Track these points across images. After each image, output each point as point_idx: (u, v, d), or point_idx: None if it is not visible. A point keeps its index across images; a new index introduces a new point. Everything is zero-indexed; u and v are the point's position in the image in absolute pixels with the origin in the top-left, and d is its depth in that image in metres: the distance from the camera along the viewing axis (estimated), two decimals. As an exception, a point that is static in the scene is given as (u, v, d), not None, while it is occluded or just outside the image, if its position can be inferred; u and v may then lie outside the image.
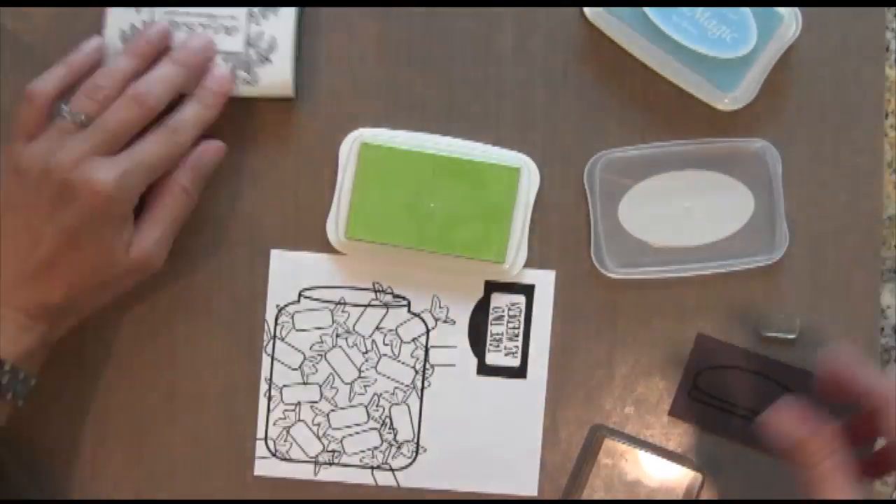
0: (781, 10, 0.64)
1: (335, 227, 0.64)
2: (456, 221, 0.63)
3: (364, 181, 0.63)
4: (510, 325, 0.65)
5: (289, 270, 0.65)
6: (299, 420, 0.65)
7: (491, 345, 0.65)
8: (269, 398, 0.65)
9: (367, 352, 0.65)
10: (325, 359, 0.65)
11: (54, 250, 0.57)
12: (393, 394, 0.65)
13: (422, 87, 0.66)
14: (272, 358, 0.65)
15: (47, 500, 0.59)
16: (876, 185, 0.66)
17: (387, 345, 0.65)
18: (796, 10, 0.64)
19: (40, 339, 0.58)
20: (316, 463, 0.65)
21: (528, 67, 0.66)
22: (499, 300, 0.65)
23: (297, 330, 0.65)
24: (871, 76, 0.66)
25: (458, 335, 0.65)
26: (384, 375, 0.65)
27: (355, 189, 0.63)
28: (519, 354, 0.65)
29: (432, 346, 0.65)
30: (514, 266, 0.64)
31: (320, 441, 0.65)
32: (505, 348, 0.65)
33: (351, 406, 0.65)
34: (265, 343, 0.65)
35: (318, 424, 0.65)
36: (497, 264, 0.63)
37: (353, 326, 0.65)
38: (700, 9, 0.63)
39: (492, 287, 0.65)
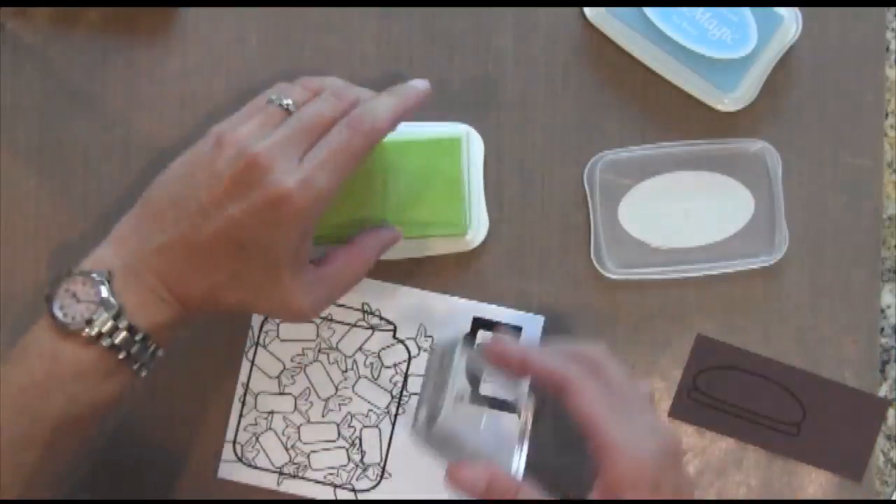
0: (781, 10, 0.64)
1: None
2: (412, 203, 0.62)
3: None
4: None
5: None
6: (270, 429, 0.65)
7: None
8: (244, 403, 0.65)
9: (346, 370, 0.65)
10: (304, 372, 0.65)
11: (214, 236, 0.52)
12: (366, 416, 0.65)
13: (422, 87, 0.66)
14: (252, 364, 0.65)
15: (46, 500, 0.58)
16: (876, 185, 0.66)
17: (367, 366, 0.64)
18: (796, 10, 0.64)
19: (176, 316, 0.54)
20: (280, 473, 0.64)
21: (528, 68, 0.66)
22: (484, 338, 0.64)
23: (281, 340, 0.65)
24: (872, 76, 0.66)
25: None
26: (360, 396, 0.65)
27: None
28: None
29: (412, 374, 0.64)
30: (477, 236, 0.64)
31: (287, 452, 0.64)
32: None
33: (323, 422, 0.65)
34: (247, 348, 0.65)
35: (288, 436, 0.65)
36: (459, 237, 0.63)
37: (337, 344, 0.65)
38: (700, 9, 0.63)
39: (479, 323, 0.64)
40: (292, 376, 0.65)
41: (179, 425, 0.64)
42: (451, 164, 0.62)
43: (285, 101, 0.55)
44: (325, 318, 0.65)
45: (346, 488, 0.64)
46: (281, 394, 0.65)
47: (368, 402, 0.65)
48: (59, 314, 0.52)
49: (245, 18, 0.65)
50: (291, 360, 0.65)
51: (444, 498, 0.64)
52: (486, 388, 0.64)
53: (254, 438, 0.65)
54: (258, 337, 0.65)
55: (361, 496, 0.64)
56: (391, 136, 0.61)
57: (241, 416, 0.65)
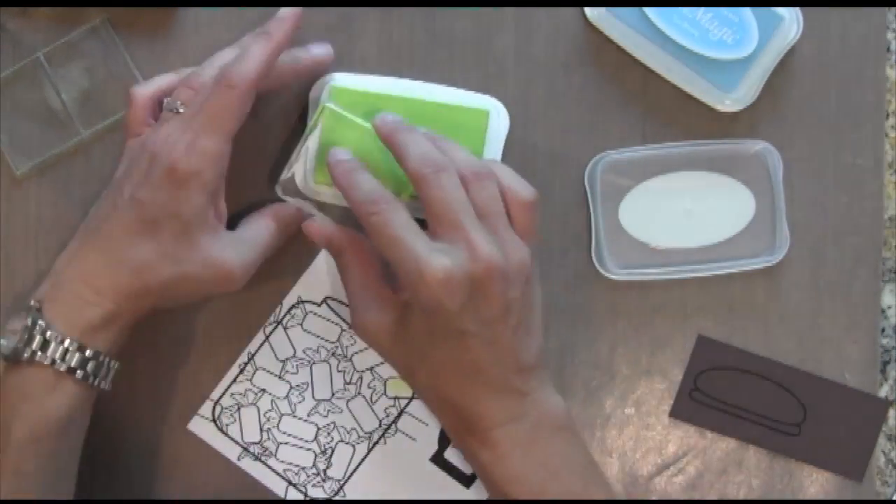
0: (782, 11, 0.64)
1: (303, 173, 0.62)
2: None
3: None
4: None
5: (327, 272, 0.64)
6: (254, 405, 0.64)
7: None
8: (242, 370, 0.64)
9: (349, 383, 0.64)
10: (310, 367, 0.64)
11: (126, 222, 0.56)
12: (348, 432, 0.64)
13: (422, 87, 0.66)
14: (266, 339, 0.64)
15: (48, 500, 0.58)
16: (877, 185, 0.66)
17: (370, 388, 0.64)
18: (797, 11, 0.64)
19: (107, 315, 0.56)
20: (245, 450, 0.64)
21: (529, 68, 0.66)
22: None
23: (303, 329, 0.64)
24: (872, 77, 0.66)
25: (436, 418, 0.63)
26: (351, 412, 0.64)
27: (324, 133, 0.61)
28: None
29: (407, 413, 0.64)
30: None
31: (261, 433, 0.64)
32: None
33: (306, 420, 0.64)
34: (268, 322, 0.65)
35: (269, 419, 0.64)
36: None
37: (352, 356, 0.64)
38: (701, 10, 0.63)
39: None
40: (297, 366, 0.64)
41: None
42: (475, 134, 0.63)
43: (178, 107, 0.58)
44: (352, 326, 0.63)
45: (299, 489, 0.64)
46: (280, 378, 0.64)
47: (356, 421, 0.64)
48: (3, 350, 0.56)
49: (245, 18, 0.65)
50: (303, 351, 0.64)
51: None
52: (452, 454, 0.63)
53: (235, 407, 0.64)
54: (282, 317, 0.64)
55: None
56: (420, 96, 0.62)
57: (234, 381, 0.64)
